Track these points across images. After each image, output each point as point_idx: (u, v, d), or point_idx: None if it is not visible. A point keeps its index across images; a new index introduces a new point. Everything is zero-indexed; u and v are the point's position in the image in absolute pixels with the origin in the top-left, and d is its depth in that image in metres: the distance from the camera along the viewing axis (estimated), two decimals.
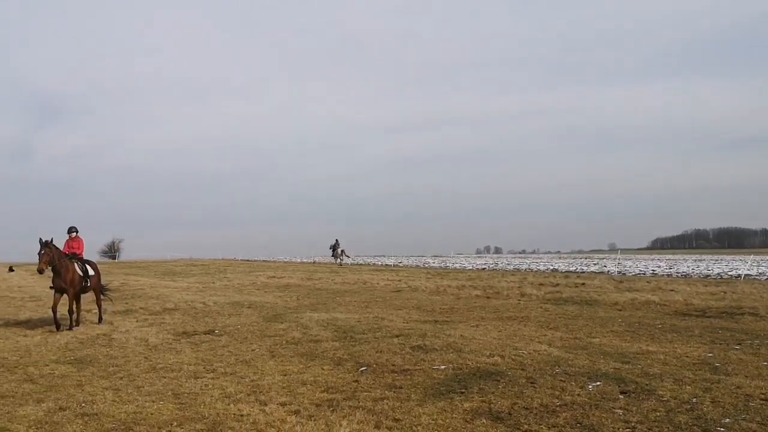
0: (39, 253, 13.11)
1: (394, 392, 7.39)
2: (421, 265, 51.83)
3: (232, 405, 6.90)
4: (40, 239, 13.16)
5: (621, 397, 6.96)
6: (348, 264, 53.23)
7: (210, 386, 7.84)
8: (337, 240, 53.79)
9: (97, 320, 14.72)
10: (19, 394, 7.54)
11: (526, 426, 6.02)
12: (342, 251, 53.57)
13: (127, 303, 19.05)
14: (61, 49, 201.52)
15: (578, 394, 7.08)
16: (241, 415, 6.48)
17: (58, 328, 13.12)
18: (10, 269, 45.86)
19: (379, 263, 58.81)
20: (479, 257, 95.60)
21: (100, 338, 11.94)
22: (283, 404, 6.92)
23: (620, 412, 6.38)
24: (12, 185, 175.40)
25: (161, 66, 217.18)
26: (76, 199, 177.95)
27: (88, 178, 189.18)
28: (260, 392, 7.49)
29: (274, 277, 33.75)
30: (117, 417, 6.49)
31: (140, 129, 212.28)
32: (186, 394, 7.44)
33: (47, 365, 9.36)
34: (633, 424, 5.97)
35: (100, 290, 15.20)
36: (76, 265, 13.99)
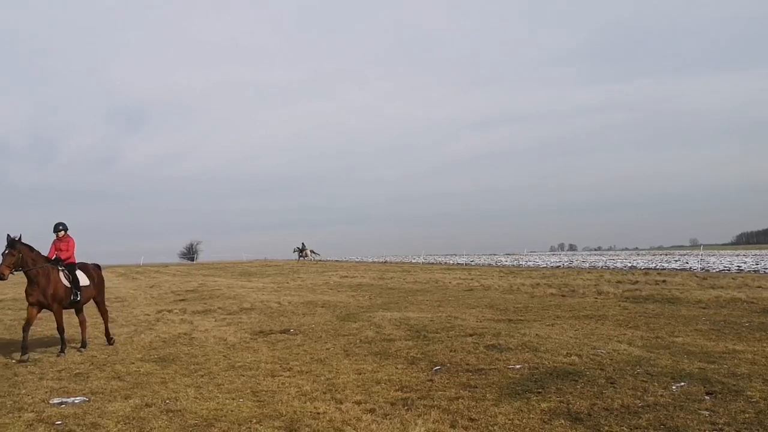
0: (2, 254, 10.31)
1: (469, 391, 7.32)
2: (494, 264, 51.24)
3: (308, 403, 7.00)
4: (8, 236, 10.44)
5: (707, 398, 6.66)
6: (316, 260, 61.67)
7: (287, 384, 7.98)
8: (303, 243, 62.32)
9: (104, 340, 12.08)
10: (107, 390, 7.88)
11: (606, 427, 5.84)
12: (311, 251, 62.16)
13: (205, 303, 19.64)
14: (141, 58, 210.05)
15: (661, 395, 6.82)
16: (318, 413, 6.56)
17: (24, 352, 10.29)
18: None
19: (451, 262, 58.52)
20: (553, 255, 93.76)
21: (182, 337, 12.35)
22: (358, 402, 6.97)
23: (706, 413, 6.10)
24: (97, 191, 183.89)
25: (236, 73, 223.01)
26: (158, 203, 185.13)
27: (168, 183, 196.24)
28: (336, 390, 7.57)
29: (346, 276, 34.09)
30: (199, 413, 6.69)
31: (218, 134, 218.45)
32: (264, 392, 7.60)
33: (133, 363, 9.75)
34: (720, 426, 5.70)
35: (104, 303, 12.59)
36: (61, 272, 11.03)
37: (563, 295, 19.62)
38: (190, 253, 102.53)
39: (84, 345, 11.51)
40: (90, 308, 12.73)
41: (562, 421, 6.06)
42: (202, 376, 8.70)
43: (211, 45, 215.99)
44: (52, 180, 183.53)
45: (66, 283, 11.08)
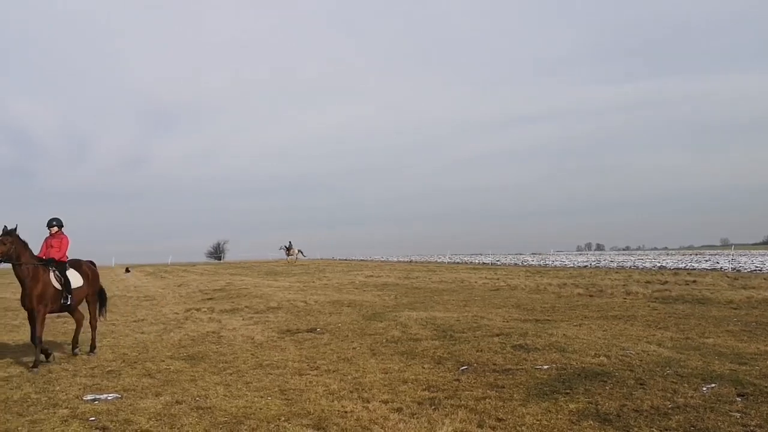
0: None
1: (497, 391, 7.31)
2: (520, 263, 50.94)
3: (336, 402, 7.05)
4: (4, 227, 9.71)
5: (738, 399, 6.57)
6: (303, 260, 62.89)
7: (314, 383, 8.05)
8: (290, 242, 62.33)
9: (88, 346, 10.92)
10: (139, 387, 8.02)
11: (636, 429, 5.80)
12: (298, 251, 62.48)
13: (233, 302, 19.85)
14: (169, 59, 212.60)
15: (692, 397, 6.74)
16: (345, 412, 6.61)
17: (39, 359, 9.64)
18: (126, 270, 48.91)
19: (477, 261, 58.31)
20: (580, 254, 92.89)
21: (210, 336, 12.49)
22: (385, 402, 7.00)
23: (738, 415, 6.02)
24: (128, 191, 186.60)
25: (260, 72, 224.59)
26: (185, 203, 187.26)
27: (195, 182, 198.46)
28: (363, 390, 7.61)
29: (371, 276, 34.16)
30: (228, 411, 6.78)
31: (244, 133, 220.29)
32: (292, 391, 7.67)
33: (163, 361, 9.90)
34: (752, 428, 5.63)
35: (97, 305, 11.44)
36: (51, 273, 9.99)
37: (591, 295, 19.45)
38: (216, 253, 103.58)
39: (93, 348, 10.79)
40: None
41: (591, 422, 6.03)
42: (231, 374, 8.81)
43: (238, 44, 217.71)
44: (83, 180, 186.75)
45: (56, 285, 10.01)
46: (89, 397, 7.49)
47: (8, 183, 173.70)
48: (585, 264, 45.37)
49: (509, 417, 6.28)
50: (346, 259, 76.92)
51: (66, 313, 11.13)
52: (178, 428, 6.20)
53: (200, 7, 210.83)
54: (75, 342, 10.91)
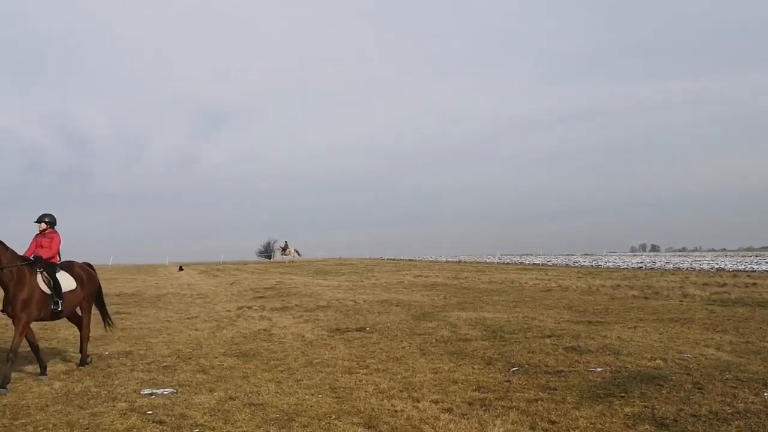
0: None
1: (549, 394, 7.21)
2: (571, 264, 50.14)
3: (386, 401, 7.06)
4: None
5: None
6: (296, 260, 61.82)
7: (364, 382, 8.08)
8: (286, 242, 63.19)
9: (78, 361, 9.75)
10: (193, 383, 8.20)
11: None
12: (294, 250, 62.55)
13: (283, 300, 20.10)
14: (218, 59, 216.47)
15: (752, 402, 6.52)
16: (396, 411, 6.61)
17: (42, 369, 8.86)
18: (180, 269, 50.01)
19: (527, 262, 57.64)
20: (634, 255, 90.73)
21: (261, 333, 12.67)
22: (435, 402, 6.98)
23: None
24: (181, 191, 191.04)
25: (311, 72, 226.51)
26: (236, 202, 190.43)
27: (245, 181, 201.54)
28: (412, 389, 7.60)
29: (420, 276, 34.12)
30: (280, 408, 6.86)
31: (292, 133, 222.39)
32: (342, 389, 7.72)
33: (216, 357, 10.09)
34: None
35: (90, 314, 10.09)
36: (39, 275, 8.77)
37: (646, 297, 18.99)
38: (267, 252, 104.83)
39: (83, 362, 9.51)
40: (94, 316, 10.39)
41: (647, 427, 5.89)
42: (282, 371, 8.92)
43: (286, 45, 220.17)
44: (138, 181, 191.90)
45: (44, 289, 8.76)
46: (146, 391, 7.70)
47: (67, 184, 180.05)
48: (639, 265, 44.33)
49: (562, 420, 6.18)
50: (394, 259, 77.03)
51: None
52: (231, 424, 6.30)
53: (246, 8, 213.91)
54: (83, 353, 9.71)
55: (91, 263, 10.49)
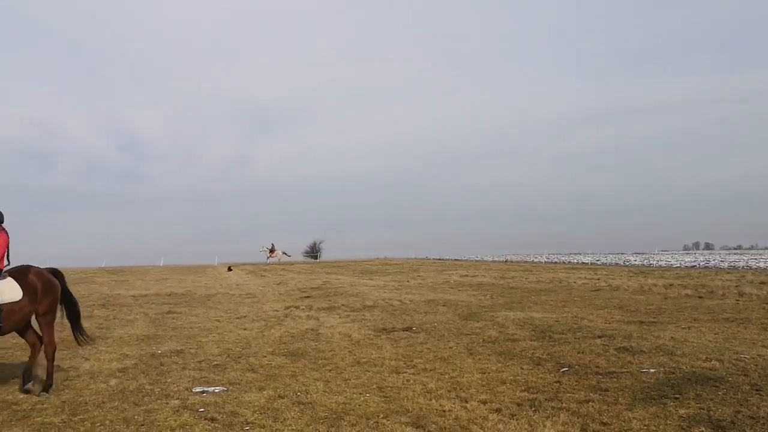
0: None
1: (600, 395, 7.07)
2: (621, 263, 49.11)
3: (434, 400, 7.04)
4: None
5: None
6: (285, 261, 63.36)
7: (411, 381, 8.07)
8: (273, 243, 63.85)
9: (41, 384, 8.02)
10: (243, 381, 8.32)
11: None
12: (282, 252, 63.92)
13: (329, 300, 20.23)
14: (267, 61, 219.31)
15: None
16: (444, 411, 6.59)
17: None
18: (229, 269, 50.85)
19: (575, 261, 56.72)
20: (687, 254, 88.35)
21: (309, 333, 12.78)
22: (483, 402, 6.93)
23: None
24: (231, 192, 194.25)
25: (353, 72, 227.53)
26: (284, 202, 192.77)
27: (293, 182, 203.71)
28: (460, 389, 7.56)
29: (466, 275, 33.92)
30: (328, 406, 6.91)
31: (339, 133, 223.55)
32: (389, 388, 7.73)
33: (265, 356, 10.22)
34: None
35: (52, 327, 8.38)
36: None
37: (700, 297, 18.47)
38: (313, 252, 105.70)
39: (47, 388, 7.82)
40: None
41: (703, 429, 5.73)
42: (330, 370, 8.98)
43: (330, 45, 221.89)
44: (191, 182, 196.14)
45: None
46: (198, 389, 7.85)
47: (124, 186, 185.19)
48: (693, 264, 43.16)
49: (614, 421, 6.06)
50: (439, 259, 76.79)
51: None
52: (281, 422, 6.38)
53: (293, 11, 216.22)
54: (26, 375, 8.02)
55: (57, 269, 9.00)
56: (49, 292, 8.25)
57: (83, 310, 17.74)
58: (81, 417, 6.67)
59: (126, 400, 7.40)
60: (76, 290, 27.96)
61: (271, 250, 63.34)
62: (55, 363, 8.25)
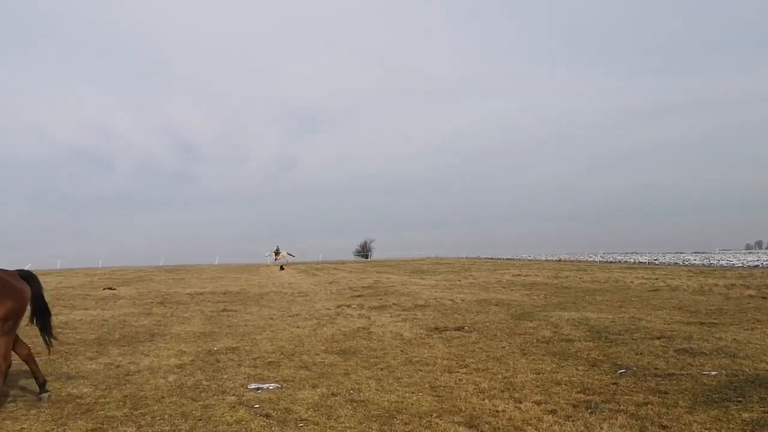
0: None
1: (659, 397, 6.89)
2: (680, 263, 47.73)
3: (487, 400, 6.98)
4: None
5: None
6: (289, 262, 63.03)
7: (464, 381, 8.02)
8: (278, 246, 64.29)
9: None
10: (297, 379, 8.42)
11: None
12: (287, 253, 63.58)
13: (381, 299, 20.29)
14: (315, 62, 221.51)
15: None
16: (497, 411, 6.53)
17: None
18: (281, 268, 51.63)
19: (631, 260, 55.40)
20: (750, 253, 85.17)
21: (360, 332, 12.84)
22: (538, 403, 6.83)
23: None
24: (281, 192, 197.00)
25: (402, 71, 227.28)
26: (333, 202, 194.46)
27: (342, 182, 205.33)
28: (514, 389, 7.48)
29: (519, 275, 33.53)
30: (381, 405, 6.93)
31: (386, 133, 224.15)
32: (442, 388, 7.69)
33: (317, 354, 10.32)
34: None
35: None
36: None
37: (764, 297, 17.79)
38: (363, 251, 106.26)
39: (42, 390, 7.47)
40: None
41: None
42: (382, 369, 9.00)
43: (378, 45, 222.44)
44: (241, 183, 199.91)
45: None
46: (253, 386, 7.98)
47: (176, 187, 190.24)
48: (756, 263, 41.59)
49: (674, 425, 5.89)
50: (491, 258, 76.12)
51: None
52: (334, 419, 6.43)
53: (340, 12, 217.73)
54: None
55: (31, 272, 8.02)
56: (8, 296, 7.20)
57: (142, 308, 18.33)
58: (142, 411, 6.87)
59: (184, 395, 7.58)
60: (135, 288, 28.89)
61: (276, 253, 65.50)
62: (6, 379, 7.29)
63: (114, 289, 27.02)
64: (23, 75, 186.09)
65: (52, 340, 8.25)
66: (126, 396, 7.57)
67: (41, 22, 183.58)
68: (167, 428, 6.24)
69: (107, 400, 7.41)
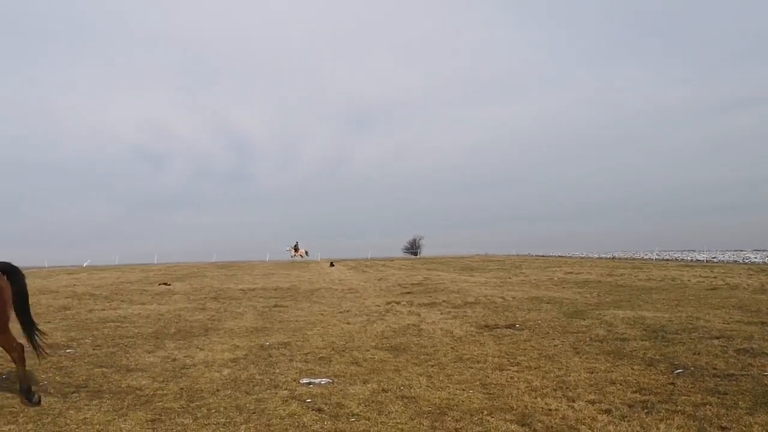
0: None
1: (718, 398, 6.70)
2: (740, 261, 46.18)
3: (539, 399, 6.91)
4: None
5: None
6: (307, 259, 65.51)
7: (515, 379, 7.96)
8: (297, 242, 67.23)
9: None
10: (348, 374, 8.50)
11: None
12: (305, 251, 66.78)
13: (430, 296, 20.25)
14: (367, 60, 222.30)
15: None
16: (550, 410, 6.45)
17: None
18: (331, 264, 51.99)
19: (689, 258, 53.87)
20: None
21: (410, 328, 12.85)
22: (592, 402, 6.73)
23: None
24: (333, 190, 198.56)
25: (453, 68, 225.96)
26: (383, 199, 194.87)
27: (392, 179, 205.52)
28: (567, 388, 7.38)
29: (571, 272, 32.99)
30: (432, 401, 6.94)
31: (437, 130, 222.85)
32: (493, 385, 7.65)
33: (368, 350, 10.38)
34: None
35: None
36: None
37: None
38: (413, 248, 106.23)
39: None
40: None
41: None
42: (432, 366, 8.99)
43: (429, 43, 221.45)
44: (294, 181, 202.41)
45: None
46: (305, 380, 8.09)
47: (233, 186, 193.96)
48: None
49: (734, 426, 5.72)
50: (543, 256, 75.10)
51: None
52: (385, 415, 6.46)
53: (390, 9, 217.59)
54: (23, 383, 7.11)
55: (15, 265, 7.49)
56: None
57: (197, 303, 18.75)
58: (198, 403, 7.04)
59: (238, 388, 7.74)
60: (189, 284, 29.46)
61: (295, 249, 67.23)
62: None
63: (169, 284, 27.70)
64: (101, 76, 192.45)
65: (39, 342, 7.72)
66: (182, 388, 7.77)
67: (106, 24, 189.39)
68: (222, 420, 6.39)
69: (165, 392, 7.62)
